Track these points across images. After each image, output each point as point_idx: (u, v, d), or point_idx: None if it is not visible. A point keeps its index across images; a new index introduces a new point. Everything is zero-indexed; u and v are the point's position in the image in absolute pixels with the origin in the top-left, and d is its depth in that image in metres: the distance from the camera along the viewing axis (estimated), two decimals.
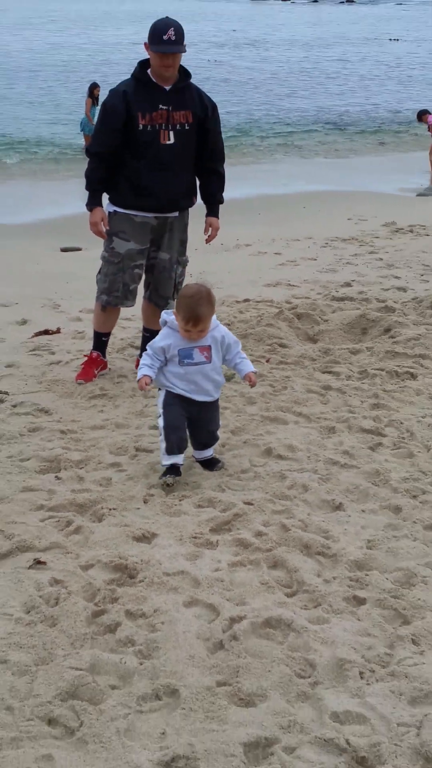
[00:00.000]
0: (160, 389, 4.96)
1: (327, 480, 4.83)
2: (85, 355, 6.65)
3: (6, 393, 6.16)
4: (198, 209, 6.51)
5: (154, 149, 6.06)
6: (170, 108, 6.04)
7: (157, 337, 4.86)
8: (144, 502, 4.61)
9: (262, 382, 6.23)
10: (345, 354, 6.88)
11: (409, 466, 5.03)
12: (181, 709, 3.09)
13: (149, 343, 4.91)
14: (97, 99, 18.41)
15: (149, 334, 6.23)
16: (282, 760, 2.88)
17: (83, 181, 6.29)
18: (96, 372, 6.45)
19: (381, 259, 10.17)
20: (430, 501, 4.60)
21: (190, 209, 6.44)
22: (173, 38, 5.84)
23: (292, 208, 14.43)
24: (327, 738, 2.96)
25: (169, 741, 2.95)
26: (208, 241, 6.57)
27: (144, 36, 6.01)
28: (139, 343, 6.82)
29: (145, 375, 4.76)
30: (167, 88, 6.04)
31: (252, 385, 5.02)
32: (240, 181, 14.17)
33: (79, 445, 5.30)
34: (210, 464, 4.98)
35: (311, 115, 25.02)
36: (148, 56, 6.00)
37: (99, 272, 6.40)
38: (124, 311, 6.68)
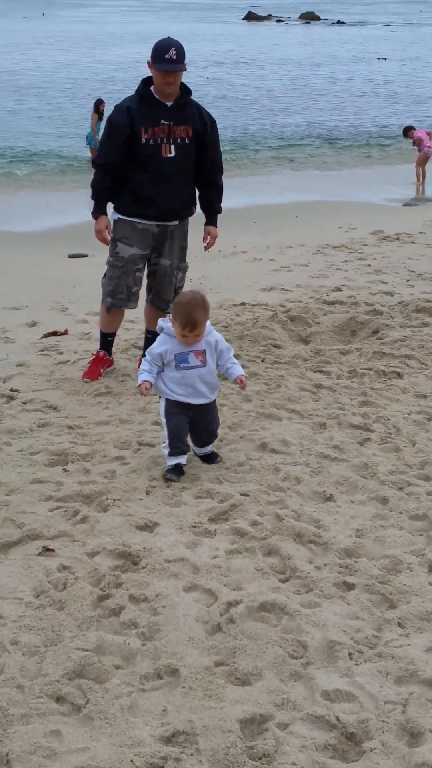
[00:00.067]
0: (160, 397, 4.97)
1: (318, 473, 4.83)
2: (92, 354, 6.66)
3: (17, 390, 6.16)
4: (197, 218, 6.50)
5: (156, 162, 6.06)
6: (171, 123, 6.03)
7: (155, 344, 4.86)
8: (146, 494, 4.61)
9: (257, 381, 6.23)
10: (335, 354, 6.88)
11: (396, 459, 5.03)
12: (181, 687, 3.09)
13: (147, 350, 4.91)
14: (102, 114, 18.37)
15: (151, 335, 6.23)
16: (276, 735, 2.88)
17: (89, 192, 6.29)
18: (102, 370, 6.45)
19: (369, 265, 10.17)
20: (416, 492, 4.61)
21: (189, 218, 6.44)
22: (174, 57, 5.84)
23: (286, 217, 14.43)
24: (318, 715, 2.97)
25: (170, 717, 2.95)
26: (206, 248, 6.57)
27: (146, 55, 6.01)
28: (141, 344, 6.81)
29: (145, 380, 4.77)
30: (169, 104, 6.03)
31: (242, 388, 5.02)
32: (236, 192, 14.17)
33: (85, 439, 5.30)
34: (209, 459, 4.99)
35: (303, 129, 24.99)
36: (151, 74, 6.00)
37: (104, 276, 6.40)
38: (128, 314, 6.68)
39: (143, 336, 6.83)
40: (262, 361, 6.72)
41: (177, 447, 4.79)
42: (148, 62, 5.95)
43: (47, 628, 3.42)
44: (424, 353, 6.79)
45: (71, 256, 11.73)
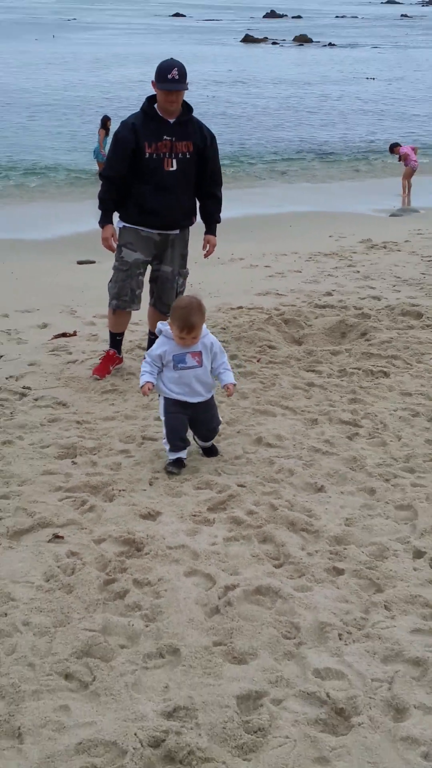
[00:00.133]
0: (159, 395, 4.96)
1: (310, 465, 4.83)
2: (103, 351, 6.67)
3: (29, 388, 6.16)
4: (198, 227, 6.50)
5: (159, 175, 6.06)
6: (174, 139, 6.03)
7: (154, 346, 4.86)
8: (150, 485, 4.61)
9: (253, 379, 6.23)
10: (326, 355, 6.88)
11: (383, 453, 5.03)
12: (182, 666, 3.09)
13: (147, 352, 4.90)
14: (108, 130, 18.33)
15: (154, 337, 6.22)
16: (270, 710, 2.89)
17: (96, 202, 6.29)
18: (111, 368, 6.47)
19: (358, 271, 10.16)
20: (401, 484, 4.61)
21: (190, 227, 6.44)
22: (177, 77, 5.84)
23: (280, 226, 14.42)
24: (310, 692, 2.97)
25: (171, 694, 2.95)
26: (206, 255, 6.57)
27: (150, 75, 6.00)
28: (145, 344, 6.81)
29: (147, 381, 4.76)
30: (171, 121, 6.03)
31: (228, 395, 5.00)
32: (234, 203, 14.13)
33: (92, 434, 5.30)
34: (209, 452, 4.99)
35: (296, 144, 24.94)
36: (155, 92, 6.00)
37: (110, 281, 6.41)
38: (132, 317, 6.67)
39: (147, 337, 6.84)
40: (258, 360, 6.72)
41: (175, 444, 4.79)
42: (152, 82, 5.95)
43: (57, 610, 3.42)
44: (409, 354, 6.79)
45: (80, 263, 11.72)
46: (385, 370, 6.45)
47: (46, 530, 4.08)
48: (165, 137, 6.01)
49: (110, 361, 6.50)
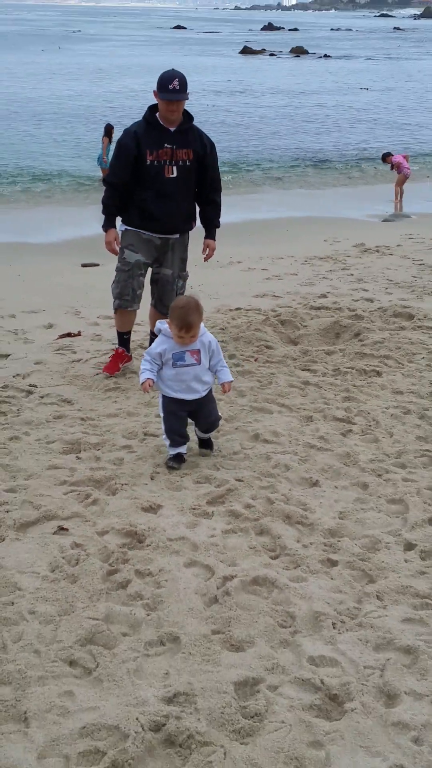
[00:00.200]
0: (159, 393, 4.95)
1: (305, 461, 4.83)
2: (113, 349, 6.66)
3: (35, 386, 6.15)
4: (198, 232, 6.50)
5: (160, 181, 6.06)
6: (174, 146, 6.03)
7: (154, 344, 4.84)
8: (151, 479, 4.61)
9: (251, 378, 6.23)
10: (321, 354, 6.88)
11: (375, 449, 5.03)
12: (182, 653, 3.10)
13: (147, 350, 4.88)
14: (111, 138, 18.30)
15: (155, 336, 6.23)
16: (266, 696, 2.89)
17: (100, 207, 6.28)
18: (121, 365, 6.46)
19: (352, 274, 10.16)
20: (393, 479, 4.61)
21: (190, 232, 6.44)
22: (177, 87, 5.83)
23: (277, 231, 14.41)
24: (305, 678, 2.98)
25: (172, 680, 2.96)
26: (206, 259, 6.58)
27: (153, 85, 6.00)
28: (146, 344, 6.81)
29: (147, 378, 4.73)
30: (172, 129, 6.02)
31: (224, 392, 4.99)
32: (233, 208, 14.13)
33: (96, 430, 5.29)
34: (205, 444, 4.97)
35: (292, 152, 24.90)
36: (157, 102, 5.99)
37: (113, 281, 6.40)
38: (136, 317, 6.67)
39: (148, 337, 6.85)
40: (255, 360, 6.71)
41: (174, 440, 4.79)
42: (154, 91, 5.94)
43: (61, 599, 3.43)
44: (401, 354, 6.79)
45: (84, 265, 11.70)
46: (377, 369, 6.45)
47: (51, 522, 4.08)
48: (166, 145, 6.01)
49: (119, 359, 6.50)
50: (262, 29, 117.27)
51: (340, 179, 21.60)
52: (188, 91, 5.94)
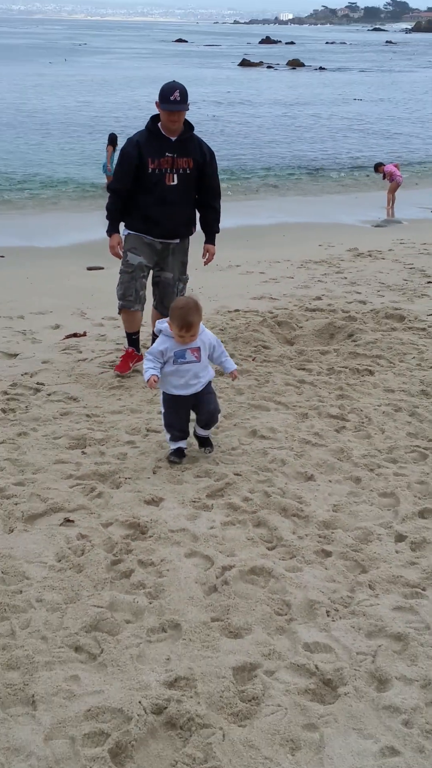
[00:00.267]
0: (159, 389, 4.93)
1: (301, 456, 4.83)
2: (124, 348, 6.65)
3: (42, 384, 6.15)
4: (198, 237, 6.50)
5: (161, 189, 6.05)
6: (175, 155, 6.02)
7: (156, 343, 4.79)
8: (153, 473, 4.61)
9: (248, 377, 6.23)
10: (316, 354, 6.88)
11: (368, 445, 5.03)
12: (182, 639, 3.10)
13: (149, 350, 4.83)
14: (116, 146, 18.28)
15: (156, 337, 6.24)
16: (263, 681, 2.89)
17: (104, 213, 6.28)
18: (131, 365, 6.44)
19: (346, 278, 10.16)
20: (384, 474, 4.61)
21: (190, 237, 6.44)
22: (178, 98, 5.83)
23: (274, 236, 14.40)
24: (300, 664, 2.98)
25: (173, 665, 2.96)
26: (206, 263, 6.57)
27: (155, 96, 5.99)
28: (149, 344, 6.80)
29: (152, 375, 4.66)
30: (173, 138, 6.02)
31: (233, 379, 5.00)
32: (232, 214, 14.11)
33: (101, 426, 5.29)
34: (204, 442, 4.93)
35: (288, 160, 24.87)
36: (159, 112, 5.99)
37: (117, 284, 6.39)
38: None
39: (150, 337, 6.84)
40: (253, 359, 6.71)
41: (174, 435, 4.78)
42: (155, 102, 5.94)
43: (67, 588, 3.43)
44: (392, 354, 6.79)
45: (89, 269, 11.70)
46: (370, 368, 6.45)
47: (57, 515, 4.08)
48: (167, 154, 6.00)
49: (130, 359, 6.48)
50: (260, 42, 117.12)
51: (334, 186, 21.59)
52: (189, 101, 5.94)
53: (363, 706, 2.80)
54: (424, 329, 7.49)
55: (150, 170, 6.00)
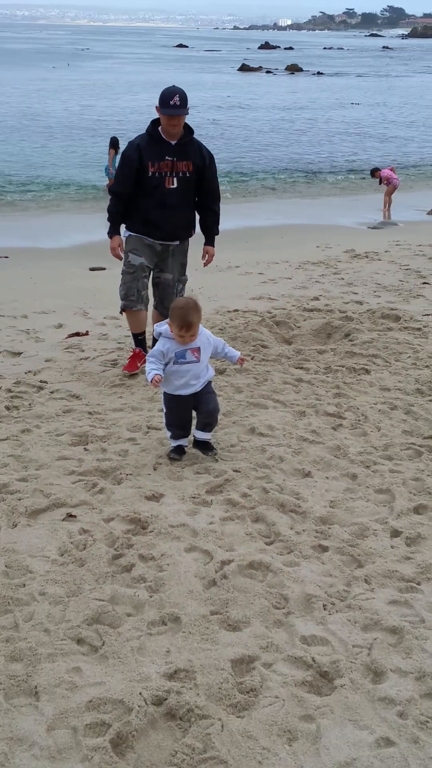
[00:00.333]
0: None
1: (298, 453, 4.83)
2: (131, 349, 6.65)
3: (45, 382, 6.15)
4: (198, 238, 6.50)
5: (161, 192, 6.05)
6: (175, 159, 6.02)
7: (157, 345, 4.75)
8: (154, 469, 4.61)
9: (247, 375, 6.23)
10: (313, 353, 6.88)
11: (364, 442, 5.03)
12: (182, 632, 3.10)
13: (150, 351, 4.79)
14: (117, 150, 18.26)
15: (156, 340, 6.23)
16: (261, 673, 2.89)
17: (106, 215, 6.28)
18: (139, 364, 6.41)
19: (342, 279, 10.16)
20: (380, 470, 4.61)
21: (190, 239, 6.43)
22: (178, 103, 5.83)
23: (272, 237, 14.40)
24: (297, 656, 2.98)
25: (173, 657, 2.96)
26: (205, 264, 6.57)
27: (155, 101, 5.99)
28: (150, 344, 6.80)
29: (156, 374, 4.61)
30: (173, 142, 6.02)
31: (241, 364, 5.02)
32: (231, 216, 14.11)
33: (103, 423, 5.29)
34: (204, 447, 4.83)
35: (286, 163, 24.88)
36: (159, 116, 5.98)
37: (120, 284, 6.39)
38: None
39: (151, 337, 6.83)
40: (252, 358, 6.71)
41: (175, 433, 4.78)
42: (156, 106, 5.94)
43: (70, 581, 3.43)
44: (388, 353, 6.79)
45: (92, 269, 11.71)
46: (366, 367, 6.45)
47: (60, 510, 4.09)
48: (167, 157, 6.00)
49: (137, 359, 6.46)
50: (259, 48, 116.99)
51: (331, 189, 21.59)
52: (188, 106, 5.93)
53: (359, 697, 2.81)
54: (419, 329, 7.49)
55: (150, 173, 6.00)
